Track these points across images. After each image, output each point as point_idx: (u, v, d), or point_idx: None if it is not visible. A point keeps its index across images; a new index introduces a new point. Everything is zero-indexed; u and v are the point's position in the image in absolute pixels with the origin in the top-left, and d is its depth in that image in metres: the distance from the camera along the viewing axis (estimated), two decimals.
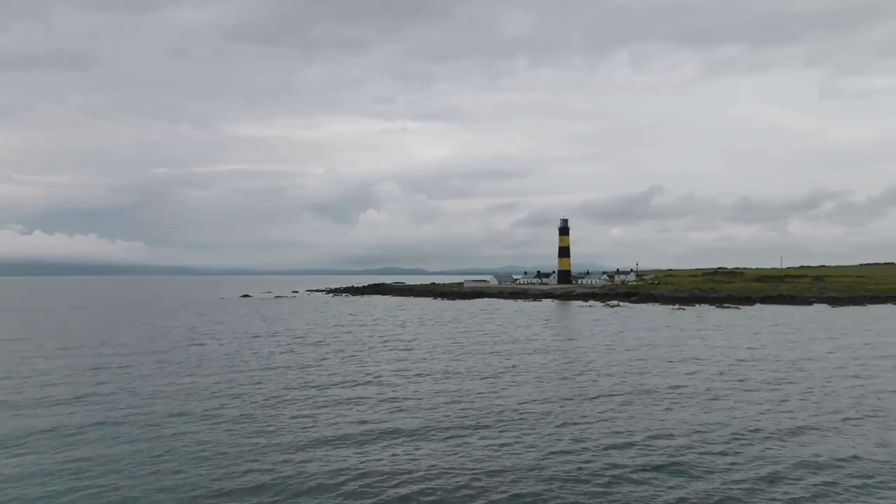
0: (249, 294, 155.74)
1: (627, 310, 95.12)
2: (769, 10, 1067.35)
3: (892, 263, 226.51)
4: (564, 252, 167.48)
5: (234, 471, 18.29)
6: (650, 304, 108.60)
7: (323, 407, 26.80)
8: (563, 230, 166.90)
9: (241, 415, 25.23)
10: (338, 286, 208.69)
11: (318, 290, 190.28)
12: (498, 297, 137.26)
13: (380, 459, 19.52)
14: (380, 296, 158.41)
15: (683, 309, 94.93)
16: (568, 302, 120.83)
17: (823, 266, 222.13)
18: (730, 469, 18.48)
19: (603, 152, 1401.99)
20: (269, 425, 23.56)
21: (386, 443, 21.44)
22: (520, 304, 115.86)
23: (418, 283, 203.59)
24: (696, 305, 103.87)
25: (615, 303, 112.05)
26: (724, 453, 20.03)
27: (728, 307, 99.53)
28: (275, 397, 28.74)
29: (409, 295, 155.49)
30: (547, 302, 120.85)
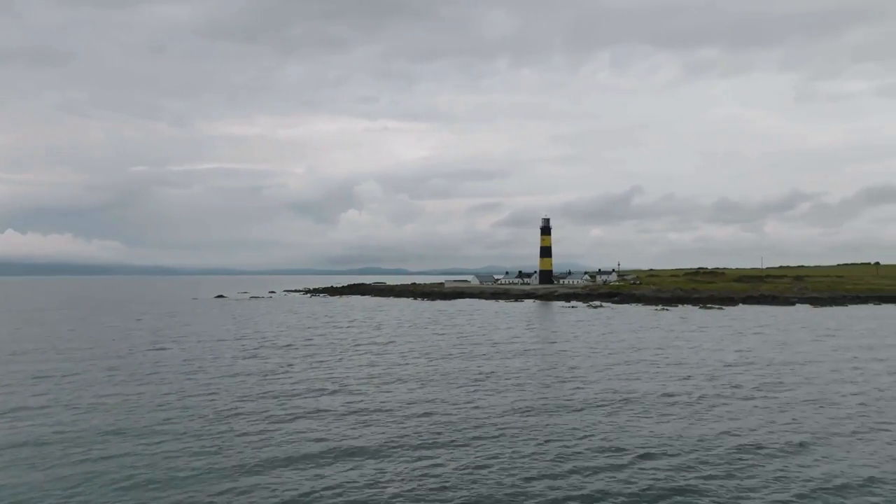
0: (224, 295, 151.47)
1: (610, 310, 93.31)
2: (746, 13, 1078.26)
3: (868, 263, 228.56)
4: (546, 252, 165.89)
5: None
6: (633, 305, 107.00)
7: (280, 422, 24.10)
8: (545, 230, 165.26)
9: (186, 432, 22.44)
10: (317, 286, 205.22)
11: (295, 291, 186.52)
12: (479, 298, 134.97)
13: (336, 487, 16.92)
14: (359, 296, 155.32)
15: (667, 310, 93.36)
16: (550, 302, 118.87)
17: (802, 266, 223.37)
18: (739, 497, 16.15)
19: (584, 153, 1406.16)
20: (214, 445, 20.82)
21: (346, 465, 18.85)
22: (501, 304, 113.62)
23: (399, 284, 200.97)
24: (679, 306, 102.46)
25: (598, 303, 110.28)
26: (729, 475, 17.73)
27: (711, 308, 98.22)
28: (228, 410, 25.97)
29: (390, 295, 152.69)
30: (528, 302, 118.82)
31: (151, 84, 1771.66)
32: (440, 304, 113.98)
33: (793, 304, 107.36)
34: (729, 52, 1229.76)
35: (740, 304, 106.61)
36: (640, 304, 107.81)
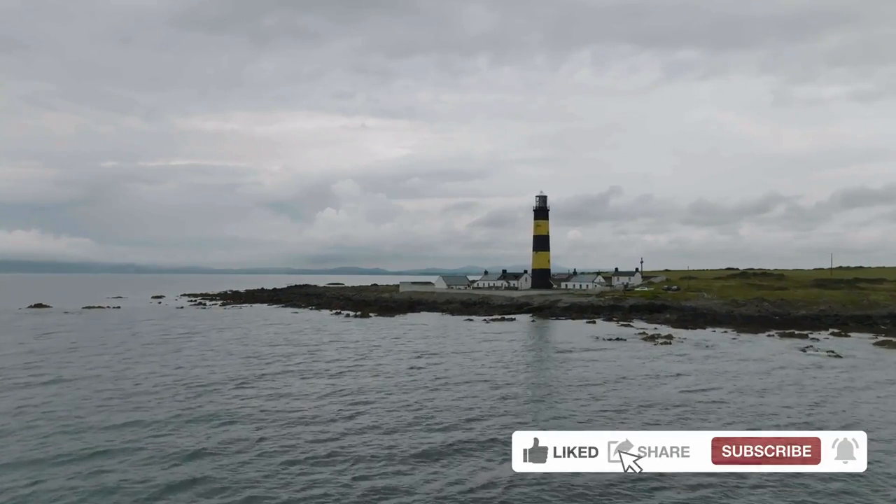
0: (46, 304, 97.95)
1: (705, 351, 44.66)
2: (727, 14, 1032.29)
3: None
4: (542, 243, 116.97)
5: None
6: (709, 330, 58.77)
7: None
8: (541, 211, 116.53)
9: None
10: (250, 288, 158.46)
11: (194, 295, 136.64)
12: (443, 311, 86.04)
13: None
14: (267, 305, 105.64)
15: (834, 354, 44.05)
16: (553, 320, 70.37)
17: (861, 267, 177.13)
18: None
19: (563, 153, 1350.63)
20: None
21: None
22: (475, 325, 64.98)
23: (352, 286, 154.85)
24: (811, 334, 53.70)
25: (653, 327, 61.30)
26: None
27: (891, 345, 49.75)
28: None
29: (314, 304, 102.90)
30: (522, 321, 70.05)
31: (120, 76, 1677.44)
32: (366, 324, 64.71)
33: None
34: (709, 53, 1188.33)
35: None
36: (717, 329, 59.61)
